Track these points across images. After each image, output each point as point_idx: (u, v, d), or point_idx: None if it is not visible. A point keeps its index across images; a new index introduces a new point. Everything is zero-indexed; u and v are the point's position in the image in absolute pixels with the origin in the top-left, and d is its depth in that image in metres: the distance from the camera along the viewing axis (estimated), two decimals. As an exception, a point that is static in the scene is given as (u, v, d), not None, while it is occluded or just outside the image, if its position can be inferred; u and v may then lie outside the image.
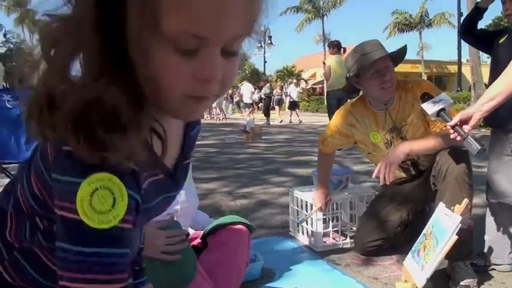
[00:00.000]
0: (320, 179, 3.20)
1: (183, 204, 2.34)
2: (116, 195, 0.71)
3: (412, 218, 2.97)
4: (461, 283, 2.39)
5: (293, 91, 21.71)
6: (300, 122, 19.80)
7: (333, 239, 3.20)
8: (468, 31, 3.00)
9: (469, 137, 2.16)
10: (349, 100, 3.12)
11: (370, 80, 2.71)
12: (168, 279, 1.71)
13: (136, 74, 0.72)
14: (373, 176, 2.76)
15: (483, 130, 8.83)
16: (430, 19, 37.43)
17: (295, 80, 21.74)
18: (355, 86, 2.92)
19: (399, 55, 2.81)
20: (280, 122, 19.97)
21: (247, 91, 22.14)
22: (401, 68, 30.50)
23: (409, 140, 2.76)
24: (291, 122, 20.13)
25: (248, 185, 5.54)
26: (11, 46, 41.71)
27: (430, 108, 2.37)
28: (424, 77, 37.04)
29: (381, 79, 2.66)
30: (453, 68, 35.08)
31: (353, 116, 2.95)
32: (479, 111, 2.15)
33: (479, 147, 2.13)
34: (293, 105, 21.66)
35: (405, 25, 37.67)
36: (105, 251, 0.71)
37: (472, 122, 2.16)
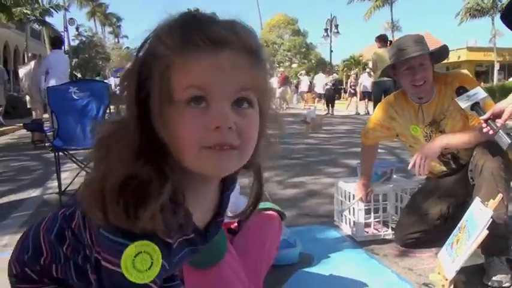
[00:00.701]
0: (362, 170, 3.27)
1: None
2: (154, 261, 0.84)
3: (452, 212, 2.98)
4: (494, 278, 2.41)
5: (366, 80, 21.41)
6: (367, 113, 19.41)
7: (375, 229, 3.26)
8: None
9: (500, 131, 2.17)
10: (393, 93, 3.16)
11: (403, 76, 2.77)
12: (199, 258, 1.85)
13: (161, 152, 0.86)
14: (409, 167, 2.80)
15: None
16: (503, 4, 35.63)
17: (368, 70, 21.38)
18: (393, 77, 2.98)
19: (439, 53, 2.83)
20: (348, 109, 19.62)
21: (320, 81, 22.08)
22: (473, 56, 29.46)
23: (446, 134, 2.78)
24: (358, 113, 19.75)
25: (300, 174, 5.65)
26: (83, 39, 43.57)
27: (464, 102, 2.39)
28: (497, 66, 35.55)
29: (412, 77, 2.70)
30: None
31: (394, 109, 3.01)
32: (511, 105, 2.15)
33: (510, 141, 2.13)
34: (366, 95, 21.35)
35: (477, 10, 36.00)
36: None
37: (504, 116, 2.17)
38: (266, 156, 1.04)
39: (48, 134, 5.27)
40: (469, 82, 2.67)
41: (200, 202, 0.96)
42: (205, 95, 0.82)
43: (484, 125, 2.24)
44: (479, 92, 2.39)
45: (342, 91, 34.26)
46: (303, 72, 31.56)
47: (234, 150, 0.86)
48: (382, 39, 10.18)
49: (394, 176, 3.54)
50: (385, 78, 7.95)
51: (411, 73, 2.73)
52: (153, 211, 0.80)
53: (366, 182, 3.21)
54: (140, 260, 0.82)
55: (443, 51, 2.85)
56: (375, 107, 10.49)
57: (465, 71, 3.02)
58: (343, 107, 20.93)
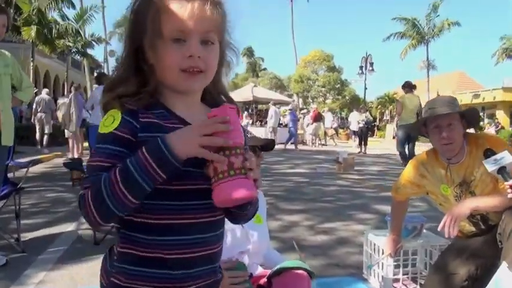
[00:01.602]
0: (392, 226, 3.31)
1: (255, 244, 2.56)
2: (115, 119, 1.19)
3: (481, 273, 2.96)
4: None
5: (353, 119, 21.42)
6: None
7: (404, 285, 3.28)
8: None
9: None
10: (424, 151, 3.20)
11: (432, 134, 2.86)
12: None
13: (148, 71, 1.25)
14: (439, 229, 2.83)
15: None
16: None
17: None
18: (424, 135, 3.05)
19: (470, 116, 2.88)
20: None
21: (354, 119, 22.04)
22: (509, 96, 28.68)
23: (476, 196, 2.81)
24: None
25: (331, 219, 5.67)
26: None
27: (490, 165, 2.42)
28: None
29: (440, 135, 2.77)
30: None
31: (424, 168, 3.06)
32: None
33: None
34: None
35: (514, 51, 35.52)
36: (104, 145, 1.18)
37: None
38: (226, 81, 1.38)
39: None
40: (499, 145, 2.71)
41: (187, 107, 1.28)
42: (183, 36, 1.19)
43: (509, 190, 2.27)
44: (506, 156, 2.41)
45: (376, 128, 34.10)
46: (326, 109, 31.52)
47: (201, 73, 1.23)
48: (408, 86, 11.17)
49: (424, 231, 3.56)
50: (408, 122, 9.77)
51: (439, 132, 2.81)
52: (114, 96, 1.22)
53: (395, 238, 3.24)
54: (106, 119, 1.21)
55: (473, 114, 2.90)
56: (397, 147, 11.35)
57: (494, 135, 3.05)
58: (377, 144, 20.74)
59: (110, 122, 1.20)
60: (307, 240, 4.61)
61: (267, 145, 2.56)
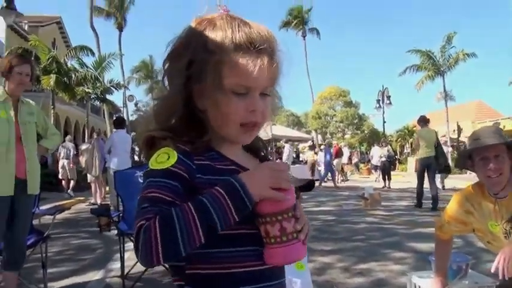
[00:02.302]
0: (437, 266, 3.12)
1: (299, 292, 2.43)
2: (170, 156, 1.13)
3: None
4: None
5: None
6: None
7: (453, 329, 3.07)
8: None
9: None
10: (469, 185, 3.04)
11: (478, 166, 2.69)
12: None
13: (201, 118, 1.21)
14: (492, 270, 2.65)
15: None
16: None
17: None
18: (469, 168, 2.89)
19: None
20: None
21: (376, 154, 21.87)
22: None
23: None
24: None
25: (366, 260, 5.48)
26: (141, 114, 45.20)
27: None
28: None
29: (486, 167, 2.61)
30: None
31: (470, 203, 2.89)
32: None
33: None
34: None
35: (531, 80, 35.21)
36: (162, 179, 1.10)
37: None
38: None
39: (113, 217, 5.36)
40: None
41: (234, 152, 1.26)
42: (246, 90, 1.15)
43: None
44: None
45: (397, 162, 33.78)
46: (342, 144, 31.35)
47: (258, 125, 1.21)
48: (423, 120, 11.46)
49: (469, 271, 3.36)
50: (427, 155, 10.76)
51: (486, 164, 2.65)
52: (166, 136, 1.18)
53: (442, 279, 3.05)
54: (159, 156, 1.14)
55: None
56: (418, 181, 11.35)
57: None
58: (399, 178, 20.47)
59: (164, 159, 1.14)
60: (344, 283, 4.43)
61: (308, 186, 2.44)
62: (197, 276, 1.13)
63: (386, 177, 19.20)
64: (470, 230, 3.03)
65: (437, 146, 11.15)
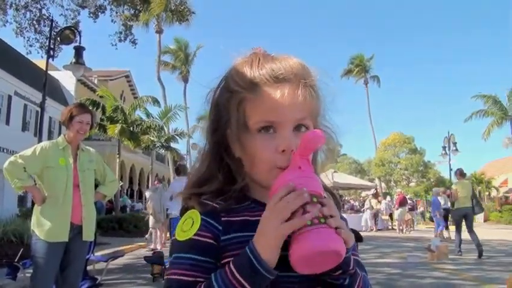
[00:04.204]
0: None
1: None
2: (194, 221, 1.04)
3: None
4: None
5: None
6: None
7: None
8: None
9: None
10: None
11: None
12: None
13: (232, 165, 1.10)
14: None
15: None
16: None
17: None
18: None
19: None
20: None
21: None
22: None
23: None
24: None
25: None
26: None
27: None
28: None
29: None
30: None
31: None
32: None
33: None
34: None
35: None
36: (185, 255, 1.01)
37: None
38: (322, 168, 1.16)
39: (167, 265, 5.27)
40: None
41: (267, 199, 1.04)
42: (272, 125, 1.02)
43: None
44: None
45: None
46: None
47: None
48: (460, 173, 12.71)
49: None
50: (464, 206, 11.86)
51: None
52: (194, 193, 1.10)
53: None
54: (184, 223, 1.06)
55: None
56: (456, 231, 12.06)
57: None
58: (464, 228, 19.28)
59: (188, 226, 1.05)
60: None
61: (356, 238, 2.26)
62: None
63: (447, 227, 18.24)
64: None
65: (474, 197, 12.25)
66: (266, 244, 0.92)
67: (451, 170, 33.24)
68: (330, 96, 1.13)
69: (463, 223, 12.14)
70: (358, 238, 2.31)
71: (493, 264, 9.94)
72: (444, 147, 32.88)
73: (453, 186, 12.79)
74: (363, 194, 36.50)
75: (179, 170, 10.84)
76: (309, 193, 0.92)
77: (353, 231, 1.96)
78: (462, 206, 11.97)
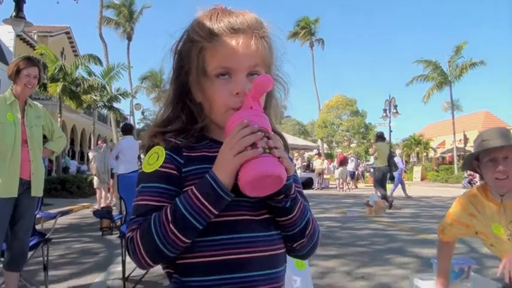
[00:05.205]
0: (439, 269, 3.10)
1: (298, 291, 2.43)
2: (159, 156, 1.16)
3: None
4: None
5: None
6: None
7: (455, 333, 3.05)
8: None
9: None
10: (470, 189, 3.03)
11: (485, 168, 2.66)
12: None
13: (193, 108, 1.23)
14: (498, 274, 2.63)
15: None
16: None
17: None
18: (476, 169, 2.88)
19: None
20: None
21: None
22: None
23: None
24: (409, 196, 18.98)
25: (368, 264, 5.46)
26: (148, 122, 45.36)
27: None
28: None
29: (494, 169, 2.60)
30: None
31: (474, 206, 2.87)
32: None
33: None
34: None
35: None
36: (151, 184, 1.14)
37: None
38: (275, 113, 1.30)
39: (116, 220, 5.37)
40: None
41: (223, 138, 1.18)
42: (228, 72, 1.15)
43: None
44: None
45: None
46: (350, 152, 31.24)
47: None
48: (380, 137, 14.26)
49: (472, 273, 3.34)
50: (383, 165, 13.10)
51: (494, 165, 2.63)
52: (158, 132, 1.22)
53: (444, 281, 3.03)
54: (150, 157, 1.18)
55: None
56: (380, 187, 12.89)
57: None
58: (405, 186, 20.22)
59: (154, 160, 1.17)
60: (345, 287, 4.39)
61: (308, 183, 2.45)
62: (186, 265, 1.13)
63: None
64: (473, 233, 3.01)
65: (390, 159, 13.52)
66: (223, 172, 1.06)
67: (391, 131, 34.31)
68: (282, 49, 1.27)
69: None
70: (309, 183, 2.50)
71: (428, 217, 10.57)
72: (385, 110, 33.82)
73: (374, 146, 13.93)
74: (306, 154, 37.19)
75: (126, 129, 10.76)
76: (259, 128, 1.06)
77: (307, 179, 2.16)
78: (381, 165, 13.31)
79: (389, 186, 14.99)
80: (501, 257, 2.67)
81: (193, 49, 1.18)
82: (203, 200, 1.05)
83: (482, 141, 2.71)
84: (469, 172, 21.89)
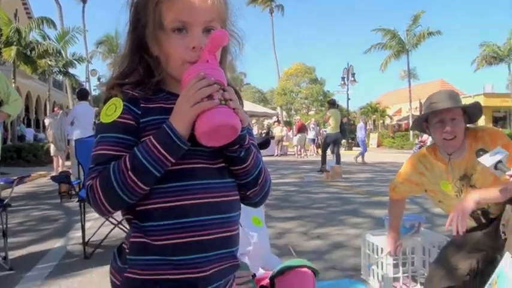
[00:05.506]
0: (391, 225, 3.27)
1: (255, 246, 2.52)
2: (117, 107, 1.19)
3: (482, 267, 2.94)
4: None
5: None
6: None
7: (404, 284, 3.23)
8: None
9: None
10: (423, 148, 3.18)
11: (434, 128, 2.81)
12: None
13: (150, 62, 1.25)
14: (446, 227, 2.79)
15: None
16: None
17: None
18: (426, 130, 3.02)
19: (473, 110, 2.85)
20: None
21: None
22: (490, 102, 29.27)
23: (479, 189, 2.78)
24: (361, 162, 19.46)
25: (324, 225, 5.64)
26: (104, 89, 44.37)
27: (487, 161, 2.41)
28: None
29: (442, 129, 2.74)
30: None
31: (423, 165, 3.02)
32: None
33: None
34: None
35: (493, 58, 36.09)
36: (110, 134, 1.17)
37: None
38: (230, 68, 1.34)
39: (74, 185, 5.35)
40: (498, 137, 2.71)
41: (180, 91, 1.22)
42: (184, 26, 1.18)
43: (511, 179, 2.23)
44: (500, 151, 2.41)
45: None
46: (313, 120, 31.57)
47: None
48: (332, 104, 14.85)
49: (422, 229, 3.53)
50: (335, 131, 13.64)
51: (442, 126, 2.77)
52: (115, 84, 1.24)
53: (395, 235, 3.21)
54: (108, 109, 1.20)
55: (476, 109, 2.86)
56: (322, 152, 13.76)
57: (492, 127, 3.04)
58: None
59: (112, 111, 1.19)
60: (301, 246, 4.56)
61: (264, 143, 2.53)
62: (144, 211, 1.18)
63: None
64: (422, 190, 3.18)
65: (343, 125, 14.36)
66: (180, 122, 1.11)
67: (348, 99, 34.84)
68: (237, 5, 1.31)
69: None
70: (265, 143, 2.58)
71: (383, 181, 10.83)
72: (343, 78, 34.16)
73: (328, 113, 14.30)
74: (266, 122, 37.35)
75: (82, 94, 10.55)
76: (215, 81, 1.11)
77: (264, 138, 2.23)
78: (333, 132, 13.77)
79: (348, 152, 15.30)
80: (449, 212, 2.83)
81: (150, 2, 1.20)
82: (160, 149, 1.10)
83: (431, 103, 2.84)
84: (420, 139, 22.46)
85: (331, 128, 13.88)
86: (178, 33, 1.19)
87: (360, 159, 18.22)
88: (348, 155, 19.81)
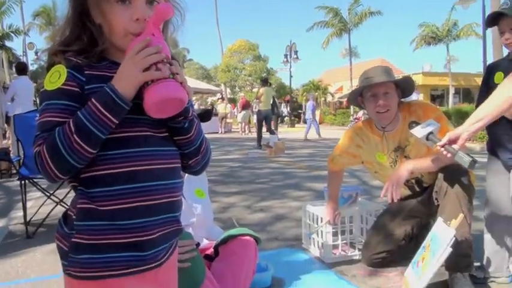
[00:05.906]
0: (330, 194, 3.39)
1: (199, 217, 2.56)
2: (61, 74, 1.19)
3: (417, 232, 3.13)
4: (458, 293, 2.58)
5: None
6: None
7: (343, 251, 3.37)
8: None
9: (459, 152, 2.29)
10: (359, 121, 3.31)
11: (368, 102, 2.95)
12: (179, 284, 1.91)
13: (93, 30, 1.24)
14: (381, 195, 2.93)
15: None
16: (458, 31, 36.89)
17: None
18: (361, 105, 3.14)
19: (405, 85, 2.98)
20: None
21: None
22: (428, 80, 30.23)
23: (412, 159, 2.94)
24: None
25: (267, 199, 5.75)
26: (42, 63, 42.81)
27: (418, 133, 2.54)
28: (452, 90, 36.74)
29: (375, 103, 2.87)
30: (481, 80, 34.68)
31: (360, 138, 3.15)
32: (466, 132, 2.31)
33: (470, 159, 2.26)
34: None
35: (432, 38, 37.34)
36: (54, 101, 1.17)
37: (460, 142, 2.31)
38: (172, 40, 1.36)
39: (14, 162, 5.20)
40: (430, 110, 2.86)
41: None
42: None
43: (443, 151, 2.37)
44: (432, 123, 2.55)
45: (302, 115, 34.87)
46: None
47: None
48: (264, 81, 15.61)
49: (359, 199, 3.68)
50: (266, 108, 14.21)
51: (375, 100, 2.89)
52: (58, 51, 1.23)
53: (333, 205, 3.33)
54: (52, 76, 1.20)
55: (408, 83, 2.99)
56: (258, 129, 14.44)
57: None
58: (303, 130, 20.99)
59: (56, 78, 1.19)
60: (245, 219, 4.64)
61: (205, 115, 2.57)
62: (90, 178, 1.19)
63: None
64: (359, 162, 3.31)
65: (274, 102, 14.93)
66: (125, 83, 1.12)
67: (291, 77, 35.17)
68: None
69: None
70: (207, 115, 2.61)
71: (323, 156, 10.95)
72: (286, 55, 34.39)
73: (260, 91, 14.90)
74: (209, 99, 37.16)
75: (20, 68, 10.11)
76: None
77: (204, 110, 2.26)
78: (264, 108, 14.24)
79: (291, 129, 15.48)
80: (384, 182, 2.98)
81: None
82: (101, 109, 1.11)
83: (365, 78, 2.96)
84: (355, 116, 22.97)
85: (262, 104, 14.39)
86: (121, 4, 1.19)
87: (316, 136, 18.79)
88: (291, 132, 20.08)
